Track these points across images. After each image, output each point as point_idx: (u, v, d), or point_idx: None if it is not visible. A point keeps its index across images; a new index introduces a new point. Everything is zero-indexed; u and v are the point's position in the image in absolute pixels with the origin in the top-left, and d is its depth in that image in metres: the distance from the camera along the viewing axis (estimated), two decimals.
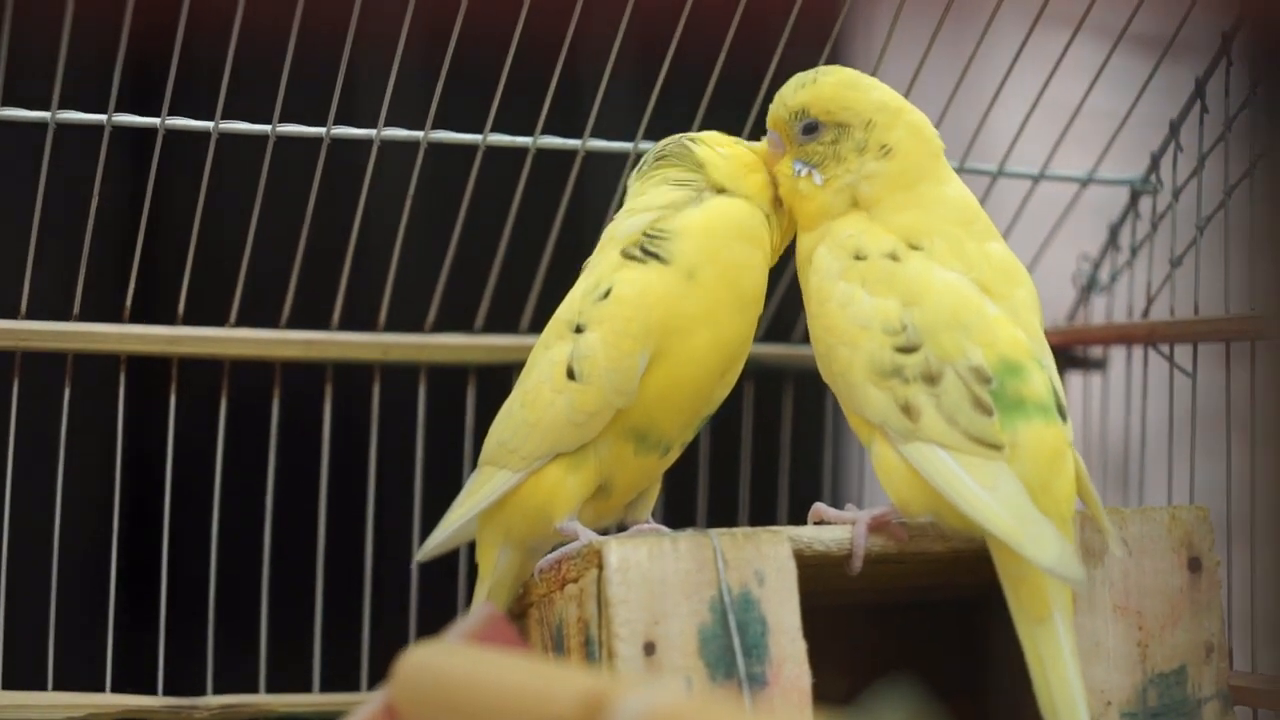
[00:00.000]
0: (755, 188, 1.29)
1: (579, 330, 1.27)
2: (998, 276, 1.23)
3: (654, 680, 1.14)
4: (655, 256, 1.26)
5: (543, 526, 1.28)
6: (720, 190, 1.28)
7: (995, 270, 1.23)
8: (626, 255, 1.27)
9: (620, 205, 1.32)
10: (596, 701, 0.94)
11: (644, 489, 1.32)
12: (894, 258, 1.22)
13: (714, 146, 1.29)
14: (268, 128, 1.37)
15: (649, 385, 1.25)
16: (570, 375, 1.26)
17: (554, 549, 1.26)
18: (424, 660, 1.10)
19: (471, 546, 1.38)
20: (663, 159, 1.30)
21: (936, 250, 1.22)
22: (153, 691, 1.40)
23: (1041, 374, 1.20)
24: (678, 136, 1.31)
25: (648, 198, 1.29)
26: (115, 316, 1.40)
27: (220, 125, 1.36)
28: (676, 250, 1.26)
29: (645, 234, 1.27)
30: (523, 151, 1.42)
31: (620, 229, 1.29)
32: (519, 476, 1.28)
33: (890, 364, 1.20)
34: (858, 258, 1.23)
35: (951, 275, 1.22)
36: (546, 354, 1.29)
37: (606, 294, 1.26)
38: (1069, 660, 1.16)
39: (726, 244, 1.27)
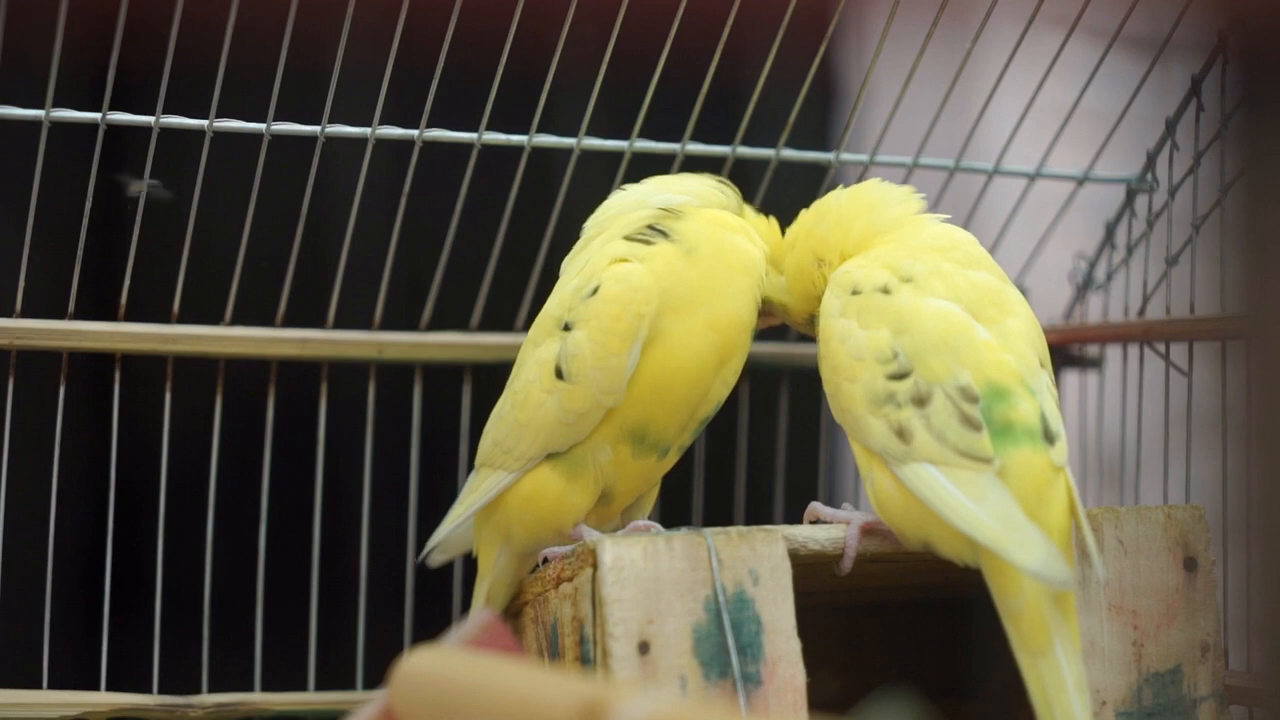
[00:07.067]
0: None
1: (568, 328, 1.27)
2: (987, 304, 1.23)
3: (651, 686, 1.14)
4: (661, 234, 1.27)
5: (553, 538, 1.28)
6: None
7: (984, 298, 1.23)
8: (630, 239, 1.28)
9: None
10: (595, 708, 0.94)
11: (643, 493, 1.32)
12: (886, 290, 1.23)
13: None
14: (262, 126, 1.37)
15: (644, 378, 1.25)
16: (559, 375, 1.26)
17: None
18: (423, 665, 1.10)
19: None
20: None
21: (925, 280, 1.23)
22: (147, 690, 1.39)
23: (1031, 399, 1.20)
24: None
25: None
26: (110, 315, 1.40)
27: (215, 124, 1.36)
28: (681, 228, 1.27)
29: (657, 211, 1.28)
30: (518, 150, 1.42)
31: (619, 221, 1.29)
32: (514, 476, 1.28)
33: (884, 392, 1.21)
34: (854, 293, 1.24)
35: (941, 303, 1.22)
36: (535, 352, 1.29)
37: (595, 291, 1.26)
38: (1073, 694, 1.15)
39: (728, 235, 1.29)
